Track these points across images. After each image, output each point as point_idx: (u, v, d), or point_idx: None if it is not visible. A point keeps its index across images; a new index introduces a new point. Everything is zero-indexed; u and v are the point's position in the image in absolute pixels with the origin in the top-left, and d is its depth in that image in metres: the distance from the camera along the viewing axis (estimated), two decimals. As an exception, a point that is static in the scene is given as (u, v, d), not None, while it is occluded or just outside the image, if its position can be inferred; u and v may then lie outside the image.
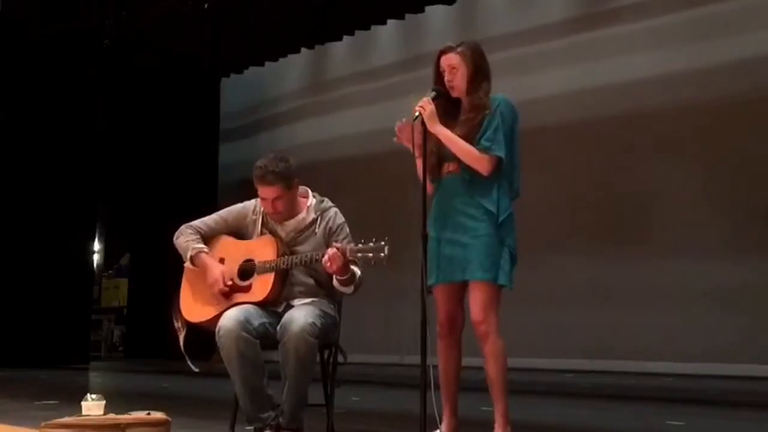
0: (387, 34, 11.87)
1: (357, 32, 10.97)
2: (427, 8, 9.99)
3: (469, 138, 3.54)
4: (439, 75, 3.67)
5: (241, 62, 11.98)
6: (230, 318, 3.55)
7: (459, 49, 3.63)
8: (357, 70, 12.65)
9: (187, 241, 3.84)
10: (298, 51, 11.49)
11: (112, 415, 3.59)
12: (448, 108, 3.65)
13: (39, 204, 11.08)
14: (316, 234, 3.78)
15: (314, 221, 3.80)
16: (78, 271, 11.76)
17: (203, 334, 3.76)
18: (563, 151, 10.15)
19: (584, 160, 10.05)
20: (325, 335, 3.60)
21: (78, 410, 3.64)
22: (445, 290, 3.60)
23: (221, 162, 14.13)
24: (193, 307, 3.83)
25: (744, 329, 8.57)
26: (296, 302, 3.70)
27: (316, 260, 3.59)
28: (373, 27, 10.82)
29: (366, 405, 5.92)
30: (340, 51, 12.58)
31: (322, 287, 3.75)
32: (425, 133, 3.56)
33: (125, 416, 3.58)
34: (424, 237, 3.48)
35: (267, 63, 12.06)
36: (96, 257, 16.08)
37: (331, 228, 3.79)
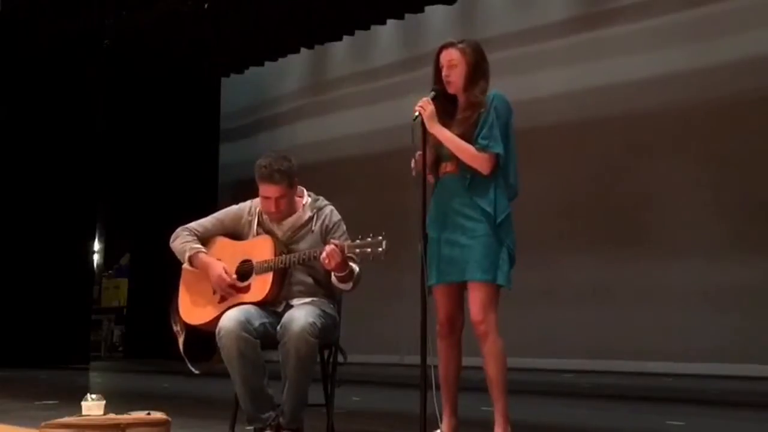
0: (387, 34, 11.88)
1: (357, 32, 10.98)
2: (427, 8, 10.00)
3: (466, 137, 3.54)
4: (438, 70, 3.67)
5: (241, 62, 12.00)
6: (230, 318, 3.55)
7: (460, 46, 3.64)
8: (357, 70, 12.65)
9: (184, 242, 3.84)
10: (298, 51, 11.50)
11: (112, 415, 3.59)
12: (445, 107, 3.65)
13: (39, 204, 11.08)
14: (312, 232, 3.79)
15: (310, 219, 3.81)
16: (78, 271, 11.76)
17: (203, 336, 3.76)
18: (563, 151, 10.15)
19: (584, 160, 10.05)
20: (326, 335, 3.61)
21: (78, 410, 3.64)
22: (445, 291, 3.60)
23: (221, 162, 14.13)
24: (192, 310, 3.83)
25: (744, 329, 8.56)
26: (295, 302, 3.70)
27: (314, 258, 3.60)
28: (373, 27, 10.83)
29: (366, 405, 5.91)
30: (340, 51, 12.59)
31: (320, 286, 3.75)
32: (425, 133, 3.57)
33: (125, 416, 3.58)
34: (424, 237, 3.49)
35: (267, 63, 12.08)
36: (96, 257, 16.09)
37: (327, 226, 3.80)
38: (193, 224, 3.91)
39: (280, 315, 3.63)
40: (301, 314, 3.53)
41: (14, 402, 5.97)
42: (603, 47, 10.14)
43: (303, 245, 3.75)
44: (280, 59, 11.87)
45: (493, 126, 3.52)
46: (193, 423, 4.55)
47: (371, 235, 3.50)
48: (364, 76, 12.55)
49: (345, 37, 11.14)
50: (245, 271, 3.75)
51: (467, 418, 3.73)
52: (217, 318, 3.62)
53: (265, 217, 3.83)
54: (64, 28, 10.58)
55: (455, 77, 3.62)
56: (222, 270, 3.74)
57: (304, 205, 3.85)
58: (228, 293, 3.73)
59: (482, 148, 3.52)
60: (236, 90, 14.02)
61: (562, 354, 9.64)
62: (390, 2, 9.89)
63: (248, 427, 3.68)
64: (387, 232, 3.49)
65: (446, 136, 3.56)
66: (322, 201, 3.90)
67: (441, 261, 3.56)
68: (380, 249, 3.46)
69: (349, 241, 3.60)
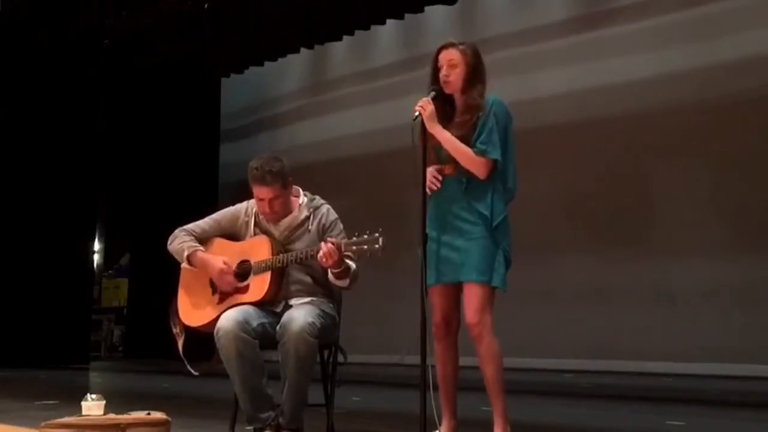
0: (387, 34, 11.87)
1: (357, 32, 10.97)
2: (427, 8, 9.99)
3: (464, 140, 3.55)
4: (436, 70, 3.67)
5: (241, 62, 11.99)
6: (228, 318, 3.56)
7: (461, 47, 3.65)
8: (357, 70, 12.65)
9: (182, 242, 3.85)
10: (298, 51, 11.50)
11: (112, 415, 3.59)
12: (444, 108, 3.65)
13: (39, 204, 11.08)
14: (309, 231, 3.79)
15: (307, 218, 3.81)
16: (78, 271, 11.77)
17: (202, 338, 3.76)
18: (563, 151, 10.14)
19: (584, 160, 10.04)
20: (325, 335, 3.61)
21: (78, 410, 3.65)
22: (441, 291, 3.60)
23: (221, 162, 14.13)
24: (191, 312, 3.83)
25: (744, 329, 8.56)
26: (294, 301, 3.71)
27: (311, 256, 3.60)
28: (372, 27, 10.82)
29: (366, 405, 5.91)
30: (340, 51, 12.59)
31: (319, 285, 3.75)
32: (424, 133, 3.57)
33: (125, 416, 3.58)
34: (424, 237, 3.49)
35: (267, 63, 12.07)
36: (96, 257, 16.10)
37: (324, 225, 3.80)
38: (190, 225, 3.92)
39: (279, 315, 3.63)
40: (301, 314, 3.53)
41: (14, 402, 5.98)
42: (603, 47, 10.14)
43: (300, 245, 3.75)
44: (280, 59, 11.87)
45: (492, 131, 3.53)
46: (193, 423, 4.55)
47: (368, 232, 3.50)
48: (364, 76, 12.55)
49: (345, 37, 11.13)
50: (243, 271, 3.75)
51: (467, 418, 3.73)
52: (217, 319, 3.62)
53: (261, 217, 3.83)
54: (64, 28, 10.58)
55: (454, 77, 3.62)
56: (222, 263, 3.74)
57: (300, 204, 3.85)
58: (230, 287, 3.72)
59: (480, 153, 3.53)
60: (236, 90, 14.03)
61: (562, 354, 9.64)
62: (390, 2, 9.89)
63: (248, 427, 3.68)
64: (387, 231, 3.49)
65: (445, 137, 3.57)
66: (319, 200, 3.90)
67: (440, 262, 3.57)
68: (377, 246, 3.46)
69: (346, 240, 3.61)
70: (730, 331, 8.61)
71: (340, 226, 3.82)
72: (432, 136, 3.58)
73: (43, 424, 3.58)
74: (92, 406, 3.61)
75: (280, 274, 3.71)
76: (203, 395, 6.35)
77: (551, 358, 9.66)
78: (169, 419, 3.65)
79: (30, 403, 5.82)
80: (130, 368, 11.87)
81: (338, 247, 3.52)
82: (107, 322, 16.45)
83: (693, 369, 8.68)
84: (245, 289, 3.72)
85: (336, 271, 3.61)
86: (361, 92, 12.56)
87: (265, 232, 3.81)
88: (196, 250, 3.82)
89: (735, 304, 8.66)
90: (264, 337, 3.58)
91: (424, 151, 3.58)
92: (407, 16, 10.33)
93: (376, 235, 3.47)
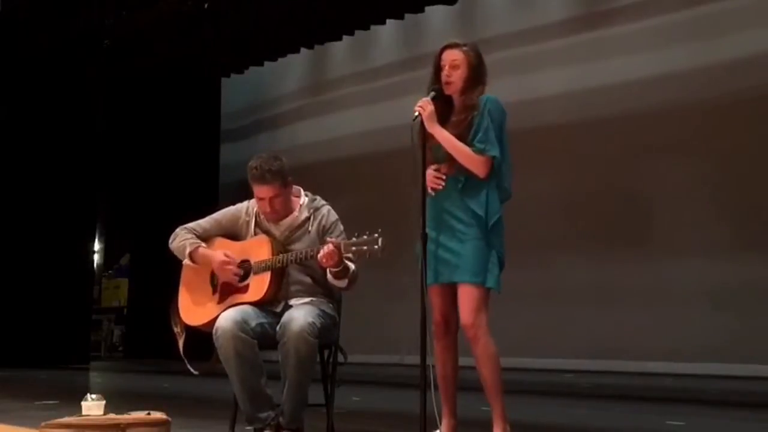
0: (387, 34, 11.87)
1: (357, 32, 10.98)
2: (427, 8, 10.00)
3: (460, 139, 3.56)
4: (438, 70, 3.67)
5: (241, 62, 11.99)
6: (227, 318, 3.56)
7: (464, 48, 3.65)
8: (357, 70, 12.65)
9: (184, 239, 3.85)
10: (298, 51, 11.50)
11: (112, 415, 3.59)
12: (442, 108, 3.65)
13: (39, 204, 11.08)
14: (309, 232, 3.79)
15: (307, 219, 3.82)
16: (78, 271, 11.77)
17: (202, 337, 3.76)
18: (563, 151, 10.14)
19: (584, 161, 10.04)
20: (325, 335, 3.61)
21: (78, 410, 3.65)
22: (439, 291, 3.61)
23: (222, 162, 14.14)
24: (192, 311, 3.83)
25: (744, 329, 8.56)
26: (294, 301, 3.71)
27: (311, 257, 3.60)
28: (372, 27, 10.83)
29: (366, 405, 5.91)
30: (340, 51, 12.59)
31: (319, 285, 3.76)
32: (424, 133, 3.57)
33: (125, 416, 3.58)
34: (424, 237, 3.49)
35: (267, 63, 12.08)
36: (96, 257, 16.09)
37: (324, 226, 3.80)
38: (191, 224, 3.92)
39: (279, 315, 3.63)
40: (301, 314, 3.53)
41: (14, 402, 5.98)
42: (603, 47, 10.14)
43: (300, 245, 3.75)
44: (280, 59, 11.87)
45: (488, 129, 3.54)
46: (193, 423, 4.55)
47: (367, 232, 3.51)
48: (364, 76, 12.55)
49: (345, 37, 11.14)
50: (243, 271, 3.75)
51: (466, 418, 3.73)
52: (216, 318, 3.62)
53: (262, 217, 3.84)
54: (64, 28, 10.58)
55: (456, 78, 3.62)
56: (224, 256, 3.74)
57: (301, 205, 3.85)
58: (232, 277, 3.72)
59: (479, 152, 3.53)
60: (236, 90, 14.03)
61: (562, 354, 9.64)
62: (390, 2, 9.89)
63: (248, 427, 3.68)
64: (386, 232, 3.50)
65: (445, 137, 3.57)
66: (319, 201, 3.90)
67: (437, 262, 3.57)
68: (377, 246, 3.47)
69: (345, 240, 3.60)
70: (729, 331, 8.61)
71: (341, 227, 3.82)
72: (431, 136, 3.59)
73: (43, 424, 3.58)
74: (92, 406, 3.61)
75: (279, 275, 3.71)
76: (203, 395, 6.35)
77: (551, 358, 9.66)
78: (169, 419, 3.65)
79: (30, 403, 5.82)
80: (130, 368, 11.87)
81: (338, 248, 3.52)
82: (107, 322, 16.46)
83: (693, 369, 8.68)
84: (245, 289, 3.73)
85: (335, 270, 3.61)
86: (361, 92, 12.56)
87: (266, 232, 3.81)
88: (198, 247, 3.82)
89: (735, 304, 8.65)
90: (263, 337, 3.58)
91: (423, 151, 3.58)
92: (407, 16, 10.33)
93: (376, 235, 3.48)
